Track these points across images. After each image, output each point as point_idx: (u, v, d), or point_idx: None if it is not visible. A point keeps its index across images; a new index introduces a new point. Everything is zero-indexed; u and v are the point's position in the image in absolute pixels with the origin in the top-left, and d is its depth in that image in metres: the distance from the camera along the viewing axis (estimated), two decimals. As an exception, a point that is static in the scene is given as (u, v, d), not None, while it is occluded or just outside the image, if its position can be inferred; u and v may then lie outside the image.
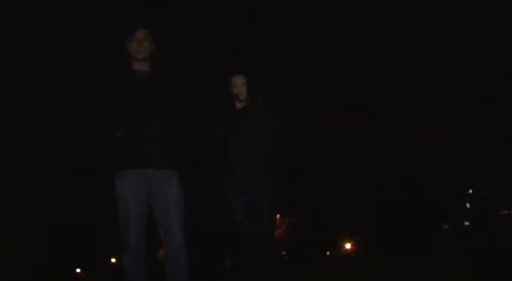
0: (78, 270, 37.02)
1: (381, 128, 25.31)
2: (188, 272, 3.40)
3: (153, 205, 3.42)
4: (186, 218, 3.47)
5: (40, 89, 22.19)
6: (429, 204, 27.01)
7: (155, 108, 3.43)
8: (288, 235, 29.30)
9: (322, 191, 26.40)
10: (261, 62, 15.48)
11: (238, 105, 4.54)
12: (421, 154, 25.62)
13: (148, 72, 3.54)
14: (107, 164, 3.51)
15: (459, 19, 22.48)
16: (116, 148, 3.44)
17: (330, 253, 32.29)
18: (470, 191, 28.47)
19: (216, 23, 16.97)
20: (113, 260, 33.67)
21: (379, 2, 22.49)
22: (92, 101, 3.67)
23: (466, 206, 28.79)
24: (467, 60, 22.95)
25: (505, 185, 24.59)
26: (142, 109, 3.41)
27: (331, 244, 32.32)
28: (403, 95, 24.72)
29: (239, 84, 4.50)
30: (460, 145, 25.08)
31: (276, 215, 4.83)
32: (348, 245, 33.20)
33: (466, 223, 28.37)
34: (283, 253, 29.93)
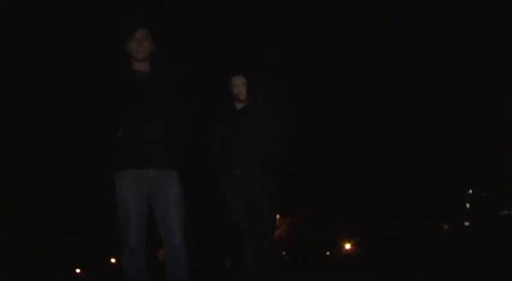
0: (78, 270, 37.03)
1: (381, 128, 25.31)
2: (188, 272, 3.40)
3: (153, 205, 3.42)
4: (186, 218, 3.47)
5: (40, 89, 22.18)
6: (429, 204, 27.01)
7: (155, 108, 3.43)
8: (288, 235, 29.31)
9: (322, 191, 26.40)
10: (261, 62, 15.48)
11: (238, 106, 4.54)
12: (421, 154, 25.62)
13: (148, 73, 3.54)
14: (107, 164, 3.51)
15: (459, 19, 22.47)
16: (115, 148, 3.44)
17: (330, 253, 32.29)
18: (470, 191, 28.47)
19: (216, 23, 16.97)
20: (113, 260, 33.67)
21: (379, 2, 22.49)
22: (92, 101, 3.67)
23: (466, 206, 28.79)
24: (467, 60, 22.94)
25: (505, 185, 24.59)
26: (142, 109, 3.41)
27: (331, 244, 32.32)
28: (403, 95, 24.72)
29: (239, 85, 4.50)
30: (460, 145, 25.08)
31: (276, 215, 4.83)
32: (347, 245, 33.20)
33: (466, 223, 28.37)
34: (283, 253, 29.93)
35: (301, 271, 12.64)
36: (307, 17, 19.67)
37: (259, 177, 4.35)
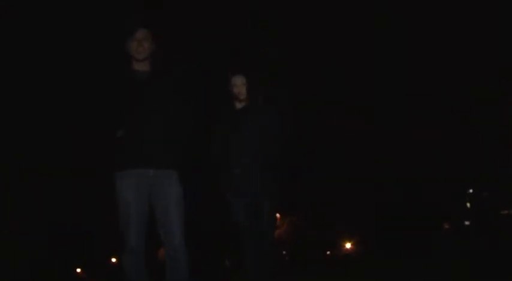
0: (78, 270, 37.03)
1: (381, 128, 25.32)
2: (188, 272, 3.40)
3: (154, 204, 3.42)
4: (186, 218, 3.47)
5: (40, 89, 22.19)
6: (429, 204, 27.01)
7: (155, 108, 3.43)
8: (288, 234, 29.31)
9: (322, 191, 26.40)
10: (261, 62, 15.48)
11: (238, 105, 4.54)
12: (421, 154, 25.62)
13: (148, 72, 3.54)
14: (107, 164, 3.51)
15: (459, 19, 22.47)
16: (116, 148, 3.44)
17: (330, 252, 32.30)
18: (471, 190, 28.47)
19: (216, 23, 16.97)
20: (114, 260, 33.67)
21: (379, 2, 22.49)
22: (92, 101, 3.67)
23: (466, 205, 28.79)
24: (467, 60, 22.95)
25: (505, 185, 24.60)
26: (142, 109, 3.41)
27: (331, 243, 32.34)
28: (403, 95, 24.72)
29: (239, 84, 4.50)
30: (460, 145, 25.09)
31: (276, 215, 4.83)
32: (348, 245, 33.21)
33: (467, 223, 28.37)
34: (284, 252, 29.94)
35: (301, 271, 12.64)
36: (307, 17, 19.68)
37: (259, 177, 4.35)
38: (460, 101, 23.89)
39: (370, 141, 25.53)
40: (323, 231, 29.93)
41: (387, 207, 27.92)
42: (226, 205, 4.52)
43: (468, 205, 28.74)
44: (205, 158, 4.59)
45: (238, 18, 17.03)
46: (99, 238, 30.95)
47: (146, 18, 3.67)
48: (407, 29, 23.28)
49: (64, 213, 28.71)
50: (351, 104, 24.21)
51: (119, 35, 3.71)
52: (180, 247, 3.38)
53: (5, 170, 22.64)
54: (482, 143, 24.54)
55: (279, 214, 23.07)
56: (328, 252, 32.22)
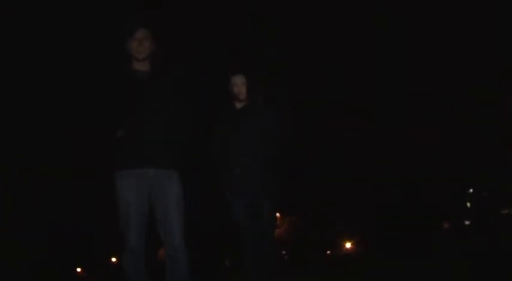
0: (78, 269, 37.03)
1: (381, 128, 25.31)
2: (188, 272, 3.40)
3: (154, 204, 3.42)
4: (186, 218, 3.47)
5: (40, 89, 22.19)
6: (429, 204, 27.01)
7: (155, 108, 3.43)
8: (288, 234, 29.32)
9: (322, 191, 26.40)
10: (261, 62, 15.48)
11: (238, 105, 4.54)
12: (421, 154, 25.62)
13: (148, 72, 3.54)
14: (107, 164, 3.51)
15: (459, 19, 22.47)
16: (116, 148, 3.44)
17: (330, 252, 32.31)
18: (471, 190, 28.47)
19: (216, 23, 16.97)
20: (114, 259, 33.67)
21: (379, 2, 22.49)
22: (92, 101, 3.67)
23: (466, 205, 28.79)
24: (467, 60, 22.94)
25: (505, 185, 24.59)
26: (142, 109, 3.41)
27: (331, 243, 32.34)
28: (403, 95, 24.72)
29: (239, 84, 4.50)
30: (460, 145, 25.09)
31: (276, 215, 4.83)
32: (348, 245, 33.21)
33: (467, 222, 28.37)
34: (284, 252, 29.95)
35: (301, 271, 12.64)
36: (307, 17, 19.68)
37: (259, 177, 4.35)
38: (460, 101, 23.89)
39: (370, 141, 25.54)
40: (323, 231, 29.93)
41: (387, 207, 27.91)
42: (226, 205, 4.51)
43: (468, 204, 28.74)
44: (205, 158, 4.59)
45: (238, 18, 17.03)
46: (99, 237, 30.95)
47: (146, 18, 3.67)
48: (407, 29, 23.27)
49: (64, 213, 28.70)
50: (351, 104, 24.21)
51: (119, 35, 3.71)
52: (180, 247, 3.38)
53: (5, 170, 22.64)
54: (482, 143, 24.54)
55: (279, 213, 23.08)
56: (328, 252, 32.23)
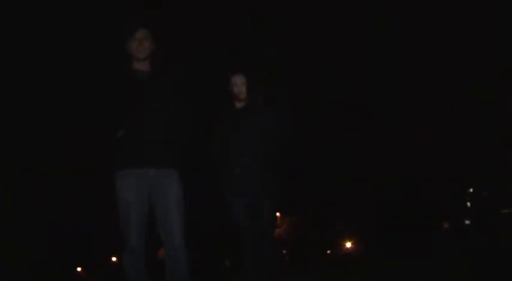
0: (78, 269, 37.03)
1: (381, 128, 25.32)
2: (188, 272, 3.40)
3: (154, 204, 3.42)
4: (186, 218, 3.47)
5: (40, 89, 22.19)
6: (429, 204, 27.02)
7: (155, 108, 3.43)
8: (288, 234, 29.32)
9: (322, 191, 26.40)
10: (261, 62, 15.48)
11: (238, 105, 4.54)
12: (421, 154, 25.62)
13: (148, 72, 3.54)
14: (107, 164, 3.51)
15: (459, 19, 22.48)
16: (116, 148, 3.44)
17: (331, 251, 32.31)
18: (471, 189, 28.47)
19: (216, 23, 16.97)
20: (114, 259, 33.66)
21: (379, 2, 22.49)
22: (93, 100, 3.67)
23: (466, 205, 28.79)
24: (467, 60, 22.95)
25: (505, 185, 24.60)
26: (142, 109, 3.41)
27: (331, 243, 32.36)
28: (403, 95, 24.72)
29: (239, 84, 4.50)
30: (460, 144, 25.09)
31: (276, 215, 4.83)
32: (348, 244, 33.22)
33: (467, 222, 28.36)
34: (284, 251, 29.95)
35: (301, 271, 12.64)
36: (307, 17, 19.68)
37: (259, 177, 4.35)
38: (460, 101, 23.90)
39: (370, 141, 25.54)
40: (323, 231, 29.94)
41: (387, 207, 27.92)
42: (226, 205, 4.51)
43: (468, 204, 28.74)
44: (205, 158, 4.59)
45: (238, 18, 17.03)
46: (99, 237, 30.96)
47: (146, 18, 3.68)
48: (407, 29, 23.28)
49: (64, 213, 28.71)
50: (351, 104, 24.21)
51: (119, 35, 3.71)
52: (180, 247, 3.38)
53: (5, 170, 22.64)
54: (482, 143, 24.55)
55: (279, 213, 23.09)
56: (328, 251, 32.24)
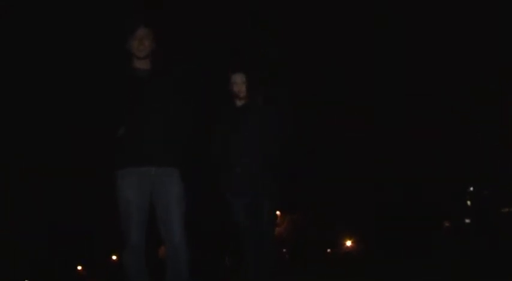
0: (79, 267, 37.05)
1: (381, 128, 25.33)
2: (188, 271, 3.40)
3: (155, 202, 3.43)
4: (187, 218, 3.47)
5: (40, 89, 22.19)
6: (429, 204, 27.02)
7: (155, 108, 3.43)
8: (288, 233, 29.33)
9: (322, 191, 26.40)
10: (261, 62, 15.48)
11: (239, 103, 4.54)
12: (421, 154, 25.63)
13: (149, 71, 3.54)
14: (108, 164, 3.52)
15: (459, 19, 22.48)
16: (116, 147, 3.44)
17: (331, 250, 32.32)
18: (471, 188, 28.45)
19: (216, 23, 16.98)
20: (114, 257, 33.67)
21: (379, 2, 22.50)
22: (93, 100, 3.68)
23: (467, 203, 28.78)
24: (467, 60, 22.95)
25: (505, 185, 24.60)
26: (142, 109, 3.41)
27: (331, 243, 32.36)
28: (403, 95, 24.73)
29: (239, 82, 4.50)
30: (460, 144, 25.10)
31: (276, 214, 4.83)
32: (348, 243, 33.22)
33: (467, 221, 28.35)
34: (284, 250, 29.96)
35: (301, 271, 12.64)
36: (307, 17, 19.68)
37: (259, 177, 4.35)
38: (460, 101, 23.90)
39: (370, 141, 25.55)
40: (323, 231, 29.95)
41: (387, 207, 27.92)
42: (226, 205, 4.51)
43: (469, 202, 28.73)
44: (205, 158, 4.59)
45: (238, 18, 17.03)
46: (99, 237, 30.97)
47: (146, 17, 3.68)
48: (407, 29, 23.28)
49: (64, 213, 28.72)
50: (351, 104, 24.22)
51: (119, 35, 3.71)
52: (180, 246, 3.38)
53: (5, 170, 22.65)
54: (482, 143, 24.55)
55: (279, 211, 23.09)
56: (328, 250, 32.25)
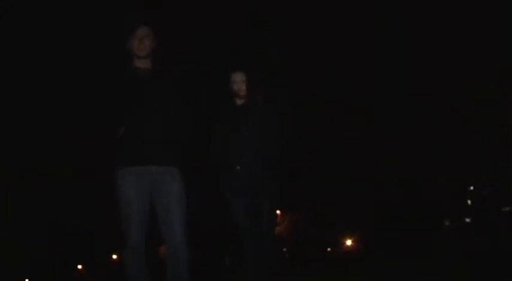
0: (79, 266, 37.04)
1: (381, 128, 25.33)
2: (188, 271, 3.40)
3: (155, 201, 3.43)
4: (187, 218, 3.47)
5: (40, 89, 22.19)
6: (429, 204, 27.02)
7: (155, 108, 3.43)
8: (288, 232, 29.34)
9: (322, 191, 26.41)
10: (261, 62, 15.48)
11: (238, 102, 4.54)
12: (421, 154, 25.63)
13: (150, 70, 3.55)
14: (108, 163, 3.52)
15: (459, 19, 22.48)
16: (116, 147, 3.44)
17: (331, 249, 32.33)
18: (472, 187, 28.44)
19: (216, 23, 16.98)
20: (114, 256, 33.66)
21: (379, 2, 22.50)
22: (93, 99, 3.68)
23: (467, 202, 28.77)
24: (467, 60, 22.95)
25: (505, 185, 24.60)
26: (142, 109, 3.41)
27: (331, 243, 32.37)
28: (403, 95, 24.73)
29: (239, 81, 4.50)
30: (460, 144, 25.10)
31: (276, 215, 4.83)
32: (348, 242, 33.22)
33: (467, 220, 28.33)
34: (284, 249, 29.97)
35: (301, 271, 12.65)
36: (307, 17, 19.68)
37: (259, 177, 4.35)
38: (460, 101, 23.90)
39: (370, 141, 25.55)
40: (323, 231, 29.95)
41: (387, 207, 27.91)
42: (226, 205, 4.51)
43: (469, 202, 28.72)
44: (205, 158, 4.59)
45: (238, 18, 17.04)
46: (99, 236, 30.98)
47: (146, 17, 3.68)
48: (407, 29, 23.29)
49: (64, 213, 28.73)
50: (351, 104, 24.23)
51: (119, 35, 3.71)
52: (181, 245, 3.38)
53: (5, 170, 22.66)
54: (482, 143, 24.55)
55: (280, 210, 23.10)
56: (328, 249, 32.26)
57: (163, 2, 16.14)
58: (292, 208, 26.16)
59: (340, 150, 25.46)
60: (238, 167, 4.36)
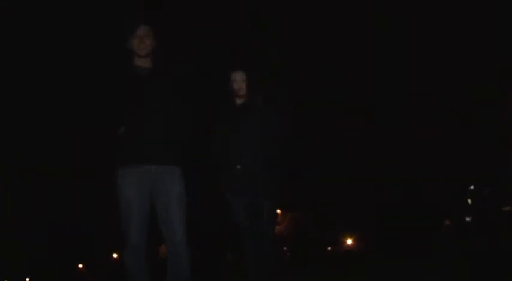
0: (80, 265, 37.03)
1: (381, 128, 25.34)
2: (189, 270, 3.40)
3: (155, 201, 3.43)
4: (186, 217, 3.47)
5: (40, 89, 22.19)
6: (429, 204, 27.01)
7: (155, 108, 3.43)
8: (289, 231, 29.35)
9: (322, 191, 26.42)
10: (261, 62, 15.48)
11: (238, 101, 4.55)
12: (421, 154, 25.63)
13: (150, 69, 3.55)
14: (108, 163, 3.52)
15: (459, 19, 22.48)
16: (116, 147, 3.44)
17: (331, 248, 32.34)
18: (472, 187, 28.42)
19: (216, 23, 16.99)
20: (115, 255, 33.65)
21: (379, 2, 22.50)
22: (93, 98, 3.68)
23: (467, 202, 28.76)
24: (467, 60, 22.96)
25: (506, 184, 24.60)
26: (142, 109, 3.41)
27: (331, 243, 32.38)
28: (403, 95, 24.74)
29: (239, 80, 4.50)
30: (460, 144, 25.11)
31: (276, 215, 4.83)
32: (349, 241, 33.22)
33: (468, 219, 28.32)
34: (285, 248, 29.98)
35: (302, 270, 12.65)
36: (307, 17, 19.69)
37: (259, 177, 4.35)
38: (460, 101, 23.91)
39: (370, 141, 25.55)
40: (323, 231, 29.97)
41: (387, 207, 27.91)
42: (226, 205, 4.52)
43: (469, 201, 28.70)
44: (205, 158, 4.59)
45: (238, 18, 17.04)
46: (99, 236, 30.99)
47: (147, 17, 3.68)
48: (407, 29, 23.29)
49: (64, 213, 28.74)
50: (351, 104, 24.23)
51: (119, 34, 3.71)
52: (181, 244, 3.38)
53: (5, 170, 22.66)
54: (482, 143, 24.55)
55: (280, 210, 23.11)
56: (329, 248, 32.27)
57: (163, 2, 16.14)
58: (292, 207, 26.17)
59: (340, 150, 25.48)
60: (239, 166, 4.36)
